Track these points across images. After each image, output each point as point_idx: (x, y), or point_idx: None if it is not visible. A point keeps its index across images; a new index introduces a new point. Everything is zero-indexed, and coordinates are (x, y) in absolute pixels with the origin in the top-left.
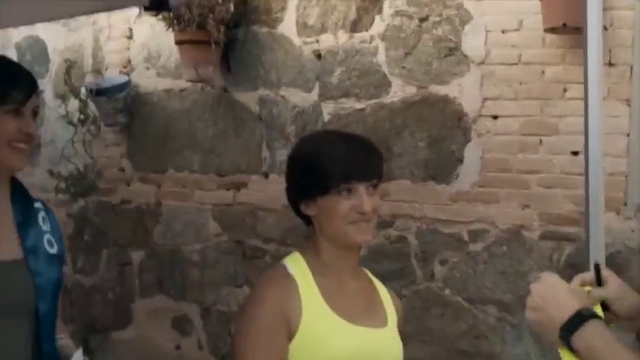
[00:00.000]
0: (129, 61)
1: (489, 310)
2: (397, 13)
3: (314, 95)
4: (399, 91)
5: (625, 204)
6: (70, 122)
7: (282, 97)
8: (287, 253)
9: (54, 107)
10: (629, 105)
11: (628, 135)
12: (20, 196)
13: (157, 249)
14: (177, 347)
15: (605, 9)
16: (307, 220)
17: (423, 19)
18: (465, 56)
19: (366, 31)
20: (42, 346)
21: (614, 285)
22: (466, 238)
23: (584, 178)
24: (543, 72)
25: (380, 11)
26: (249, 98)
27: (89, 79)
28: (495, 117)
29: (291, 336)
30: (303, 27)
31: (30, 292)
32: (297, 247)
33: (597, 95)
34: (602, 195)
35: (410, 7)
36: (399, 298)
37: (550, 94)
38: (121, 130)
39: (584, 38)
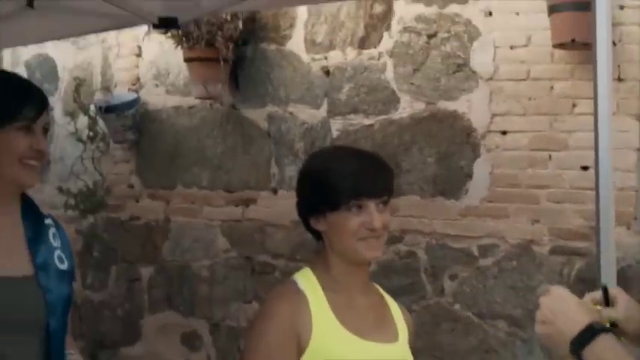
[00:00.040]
0: (138, 79)
1: (499, 324)
2: (405, 29)
3: (322, 112)
4: (407, 107)
5: (635, 218)
6: (79, 139)
7: (291, 113)
8: (296, 269)
9: (63, 124)
10: (638, 120)
11: (638, 149)
12: (31, 213)
13: (166, 265)
14: None
15: (614, 25)
16: (317, 235)
17: (431, 36)
18: (474, 72)
19: (375, 47)
20: None
21: (622, 305)
22: (476, 253)
23: (593, 192)
24: (552, 87)
25: (388, 28)
26: (257, 115)
27: (98, 96)
28: (504, 132)
29: (301, 352)
30: (311, 44)
31: (41, 308)
32: (307, 263)
33: (607, 110)
34: (613, 210)
35: (418, 23)
36: (409, 313)
37: (559, 110)
38: (130, 147)
39: (593, 54)
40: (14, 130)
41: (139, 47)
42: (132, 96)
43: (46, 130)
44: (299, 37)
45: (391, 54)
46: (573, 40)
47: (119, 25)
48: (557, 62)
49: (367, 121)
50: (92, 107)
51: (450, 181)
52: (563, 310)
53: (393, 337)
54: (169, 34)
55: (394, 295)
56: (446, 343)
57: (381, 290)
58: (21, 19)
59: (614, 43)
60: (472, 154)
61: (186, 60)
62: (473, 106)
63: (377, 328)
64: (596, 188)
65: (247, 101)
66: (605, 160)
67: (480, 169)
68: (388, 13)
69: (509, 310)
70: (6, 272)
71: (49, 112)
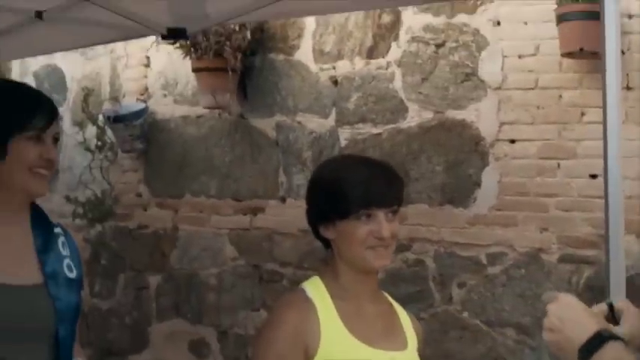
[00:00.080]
0: (146, 89)
1: (508, 332)
2: (413, 39)
3: (331, 121)
4: (415, 116)
5: None
6: (88, 149)
7: (299, 122)
8: (304, 277)
9: (72, 134)
10: None
11: None
12: (40, 222)
13: (174, 273)
14: None
15: (622, 33)
16: (326, 243)
17: (439, 45)
18: (482, 81)
19: (383, 57)
20: None
21: (629, 322)
22: (484, 261)
23: (602, 201)
24: (561, 96)
25: (396, 38)
26: (265, 124)
27: (106, 106)
28: (513, 141)
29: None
30: (319, 54)
31: (50, 316)
32: (315, 271)
33: (616, 119)
34: (622, 218)
35: (426, 33)
36: (418, 321)
37: (568, 118)
38: (138, 157)
39: (602, 63)
40: (24, 139)
41: (148, 57)
42: (140, 106)
43: (56, 139)
44: (307, 47)
45: (399, 63)
46: (582, 49)
47: (128, 35)
48: (566, 71)
49: (375, 130)
50: (100, 117)
51: (459, 190)
52: (571, 317)
53: (402, 345)
54: (178, 44)
55: (402, 303)
56: (454, 351)
57: (390, 298)
58: (30, 31)
59: (622, 52)
60: (480, 163)
61: (195, 70)
62: (481, 115)
63: (386, 336)
64: (605, 196)
65: (255, 111)
66: (614, 168)
67: (489, 177)
68: (396, 23)
69: (518, 318)
70: (16, 281)
71: (59, 122)
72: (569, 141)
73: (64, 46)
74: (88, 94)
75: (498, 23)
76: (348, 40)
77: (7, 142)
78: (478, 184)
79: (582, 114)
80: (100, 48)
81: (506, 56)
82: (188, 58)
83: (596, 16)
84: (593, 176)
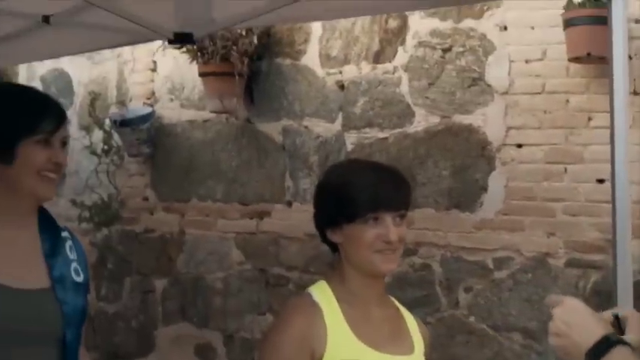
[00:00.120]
0: (153, 93)
1: (514, 337)
2: (420, 44)
3: (337, 125)
4: (422, 120)
5: None
6: (94, 153)
7: (306, 127)
8: (310, 281)
9: (78, 138)
10: None
11: None
12: (48, 225)
13: (180, 277)
14: None
15: (629, 38)
16: (333, 247)
17: (446, 50)
18: (489, 86)
19: (389, 62)
20: None
21: (636, 327)
22: (491, 265)
23: (609, 205)
24: (568, 101)
25: (403, 42)
26: (272, 129)
27: (113, 110)
28: (520, 146)
29: None
30: (326, 58)
31: (58, 320)
32: (322, 275)
33: (623, 124)
34: (629, 222)
35: (433, 38)
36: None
37: (575, 123)
38: (145, 161)
39: (610, 68)
40: (33, 143)
41: (154, 62)
42: (147, 110)
43: (64, 143)
44: (314, 51)
45: (406, 68)
46: (589, 54)
47: (134, 40)
48: (573, 76)
49: (382, 135)
50: (107, 121)
51: (465, 194)
52: (577, 321)
53: (409, 350)
54: (184, 49)
55: (409, 308)
56: (461, 355)
57: (397, 303)
58: (37, 35)
59: (629, 57)
60: (487, 167)
61: (202, 75)
62: (488, 120)
63: (392, 341)
64: (613, 201)
65: (262, 115)
66: (621, 172)
67: (495, 182)
68: (403, 27)
69: (525, 322)
70: (24, 285)
71: (67, 126)
72: (576, 146)
73: (71, 50)
74: (94, 98)
75: (505, 28)
76: (355, 44)
77: (16, 145)
78: (485, 189)
79: (589, 119)
80: (106, 52)
81: (513, 61)
82: (195, 62)
83: (603, 21)
84: (600, 181)
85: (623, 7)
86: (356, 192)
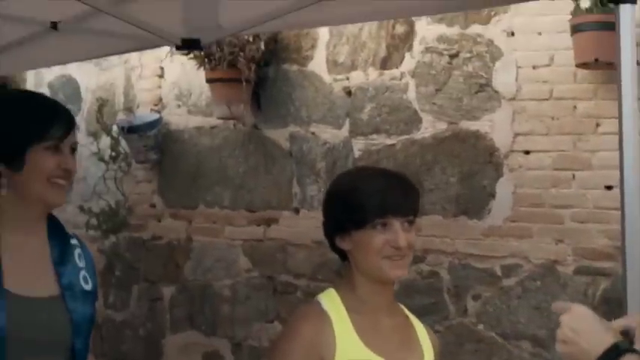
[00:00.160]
0: (160, 99)
1: (523, 345)
2: (427, 50)
3: (344, 131)
4: (429, 126)
5: None
6: (102, 159)
7: (313, 133)
8: (318, 289)
9: (86, 144)
10: None
11: None
12: (57, 233)
13: (188, 284)
14: None
15: (637, 44)
16: (343, 255)
17: (453, 56)
18: (496, 92)
19: (397, 68)
20: None
21: None
22: (499, 273)
23: (617, 212)
24: (575, 107)
25: (410, 48)
26: (279, 135)
27: (121, 116)
28: (527, 152)
29: None
30: (333, 64)
31: (67, 328)
32: (329, 283)
33: (632, 129)
34: (639, 229)
35: (440, 44)
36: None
37: (582, 129)
38: (152, 167)
39: (618, 73)
40: (42, 149)
41: (162, 68)
42: (154, 116)
43: (73, 149)
44: (321, 57)
45: (413, 74)
46: (597, 60)
47: (142, 46)
48: (581, 82)
49: (389, 141)
50: (115, 127)
51: (473, 201)
52: (585, 328)
53: (419, 358)
54: (191, 55)
55: (417, 315)
56: None
57: (406, 310)
58: (45, 41)
59: (638, 63)
60: (495, 174)
61: (209, 81)
62: (495, 126)
63: (402, 349)
64: (622, 207)
65: (269, 121)
66: (630, 179)
67: (503, 188)
68: (410, 33)
69: (534, 330)
70: (33, 292)
71: (76, 132)
72: (584, 152)
73: (78, 56)
74: (102, 104)
75: (512, 34)
76: (362, 50)
77: (25, 152)
78: (492, 196)
79: (597, 125)
80: (114, 58)
81: (520, 67)
82: (202, 68)
83: (611, 27)
84: (609, 187)
85: (631, 12)
86: (364, 197)
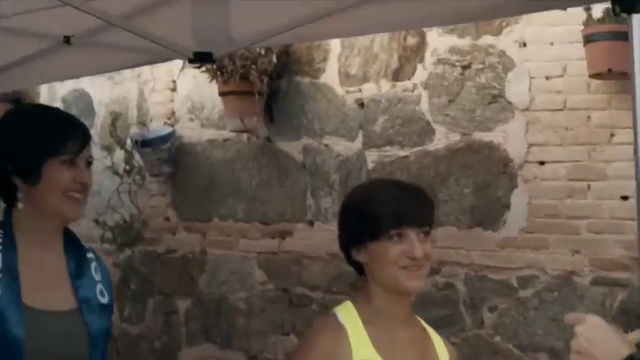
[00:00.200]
0: (173, 113)
1: (541, 357)
2: (439, 61)
3: (358, 143)
4: (442, 138)
5: None
6: (116, 173)
7: (326, 145)
8: (333, 301)
9: (100, 158)
10: None
11: None
12: (73, 246)
13: (203, 297)
14: None
15: None
16: (359, 269)
17: (465, 67)
18: (509, 103)
19: (409, 79)
20: None
21: None
22: (515, 284)
23: (633, 222)
24: (589, 117)
25: (422, 60)
26: (292, 147)
27: (134, 130)
28: (542, 163)
29: None
30: (345, 77)
31: (84, 341)
32: (345, 295)
33: None
34: None
35: (452, 55)
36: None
37: (597, 140)
38: (166, 180)
39: (632, 83)
40: (58, 163)
41: (174, 82)
42: (167, 130)
43: (89, 163)
44: (333, 69)
45: (425, 85)
46: (610, 70)
47: (154, 60)
48: (594, 92)
49: (402, 153)
50: (128, 141)
51: (488, 212)
52: (600, 339)
53: None
54: (204, 68)
55: (433, 327)
56: None
57: (423, 322)
58: (58, 56)
59: None
60: (509, 185)
61: (221, 94)
62: (509, 137)
63: None
64: (638, 217)
65: (282, 134)
66: None
67: (518, 199)
68: (422, 44)
69: (551, 342)
70: (51, 306)
71: (91, 146)
72: (599, 162)
73: (91, 70)
74: (115, 118)
75: (524, 44)
76: (374, 62)
77: (41, 166)
78: (507, 207)
79: (612, 135)
80: (127, 72)
81: (533, 77)
82: (214, 81)
83: (623, 37)
84: (625, 198)
85: None
86: (378, 208)
